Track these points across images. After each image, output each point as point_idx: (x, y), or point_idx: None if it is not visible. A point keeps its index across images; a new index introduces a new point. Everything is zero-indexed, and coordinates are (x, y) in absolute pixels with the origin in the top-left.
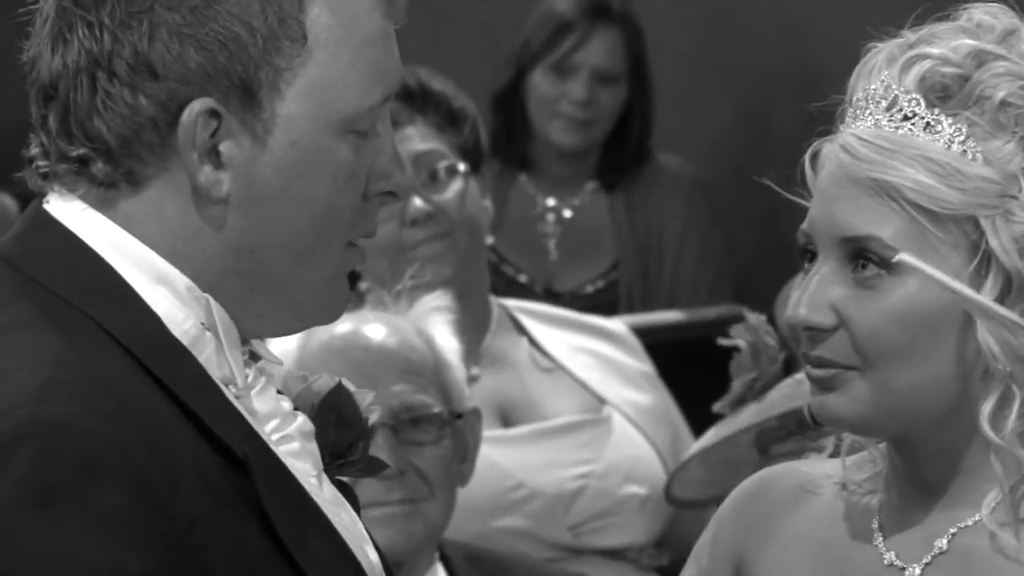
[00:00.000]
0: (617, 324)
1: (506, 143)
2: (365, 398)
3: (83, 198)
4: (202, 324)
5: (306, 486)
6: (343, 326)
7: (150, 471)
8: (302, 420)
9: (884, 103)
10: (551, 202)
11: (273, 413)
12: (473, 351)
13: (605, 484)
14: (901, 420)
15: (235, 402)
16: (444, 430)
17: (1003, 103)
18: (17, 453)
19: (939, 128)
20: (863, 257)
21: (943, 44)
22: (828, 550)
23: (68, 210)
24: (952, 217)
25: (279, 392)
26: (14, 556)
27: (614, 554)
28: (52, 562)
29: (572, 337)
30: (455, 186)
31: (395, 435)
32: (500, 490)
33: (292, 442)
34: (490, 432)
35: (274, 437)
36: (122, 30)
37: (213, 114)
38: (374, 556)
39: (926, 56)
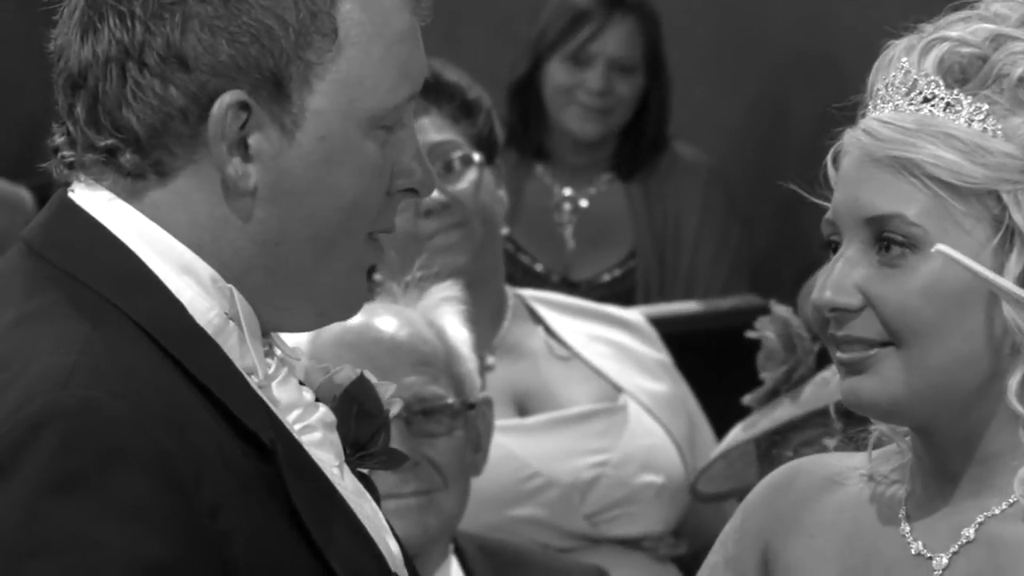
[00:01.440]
0: (633, 313)
1: (523, 133)
2: (387, 390)
3: (110, 188)
4: (226, 314)
5: (329, 476)
6: (354, 319)
7: (174, 457)
8: (324, 411)
9: (904, 88)
10: (568, 192)
11: (295, 403)
12: (489, 341)
13: (621, 473)
14: (932, 401)
15: (259, 391)
16: (457, 420)
17: (1021, 80)
18: (40, 437)
19: (959, 107)
20: (887, 238)
21: (961, 28)
22: (855, 540)
23: (94, 199)
24: (974, 192)
25: (300, 383)
26: (37, 541)
27: (630, 543)
28: (75, 547)
29: (588, 326)
30: (470, 176)
31: (408, 427)
32: (516, 479)
33: (314, 432)
34: (506, 421)
35: (296, 427)
36: (154, 21)
37: (243, 107)
38: (395, 547)
39: (944, 39)
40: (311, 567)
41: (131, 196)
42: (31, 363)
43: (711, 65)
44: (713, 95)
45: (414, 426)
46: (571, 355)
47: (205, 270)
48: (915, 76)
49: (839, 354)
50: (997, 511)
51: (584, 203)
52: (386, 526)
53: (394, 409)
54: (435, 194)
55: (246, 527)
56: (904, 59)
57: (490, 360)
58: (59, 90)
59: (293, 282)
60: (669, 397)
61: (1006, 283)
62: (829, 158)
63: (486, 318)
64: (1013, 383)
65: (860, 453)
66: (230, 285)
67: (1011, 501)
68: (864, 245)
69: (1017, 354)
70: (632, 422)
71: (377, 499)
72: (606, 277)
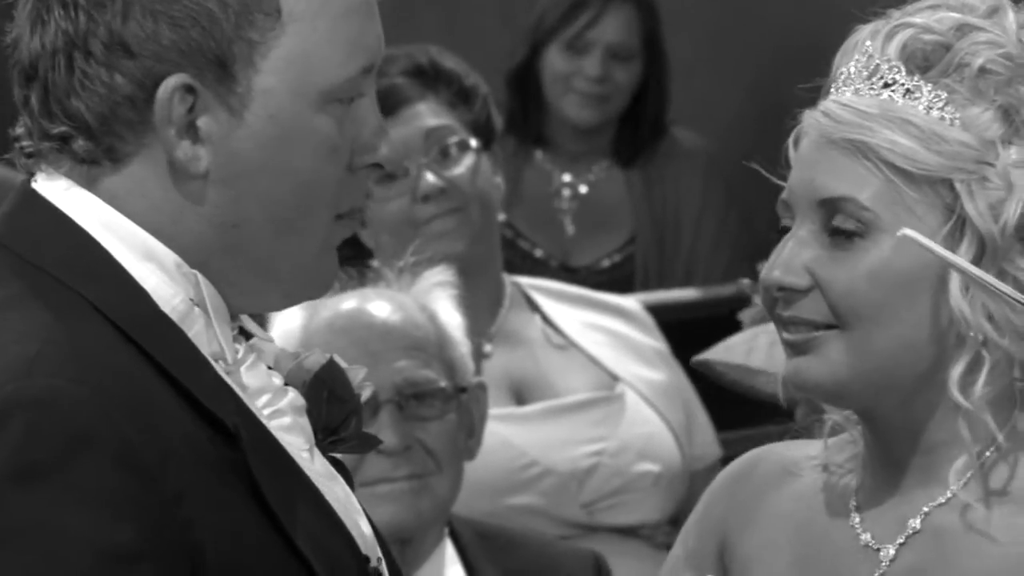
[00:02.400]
0: (630, 301)
1: (522, 120)
2: (357, 375)
3: (68, 176)
4: (191, 300)
5: (297, 459)
6: (346, 304)
7: (138, 444)
8: (293, 395)
9: (865, 73)
10: (567, 178)
11: (264, 388)
12: (486, 328)
13: (618, 462)
14: (875, 385)
15: (225, 377)
16: (449, 404)
17: (982, 70)
18: (4, 427)
19: (918, 94)
20: (836, 224)
21: (928, 15)
22: (807, 530)
23: (54, 188)
24: (927, 179)
25: (270, 368)
26: (3, 529)
27: (628, 532)
28: (41, 535)
29: (585, 314)
30: (467, 161)
31: (400, 411)
32: (513, 468)
33: (283, 417)
34: (503, 410)
35: (265, 412)
36: (96, 10)
37: (189, 90)
38: (367, 529)
39: (909, 25)
40: (280, 551)
41: (88, 183)
42: None
43: (710, 51)
44: (712, 81)
45: (406, 410)
46: (568, 344)
47: (168, 256)
48: (877, 61)
49: (785, 334)
50: (942, 500)
51: (583, 189)
52: (358, 508)
53: (365, 393)
54: (432, 179)
55: (212, 513)
56: (868, 43)
57: (487, 348)
58: (15, 81)
59: (256, 264)
60: (666, 385)
61: (976, 270)
62: (791, 140)
63: (483, 306)
64: (955, 373)
65: (817, 441)
66: (194, 270)
67: (954, 491)
68: (816, 226)
69: (961, 345)
70: (629, 411)
71: (350, 483)
72: (606, 263)
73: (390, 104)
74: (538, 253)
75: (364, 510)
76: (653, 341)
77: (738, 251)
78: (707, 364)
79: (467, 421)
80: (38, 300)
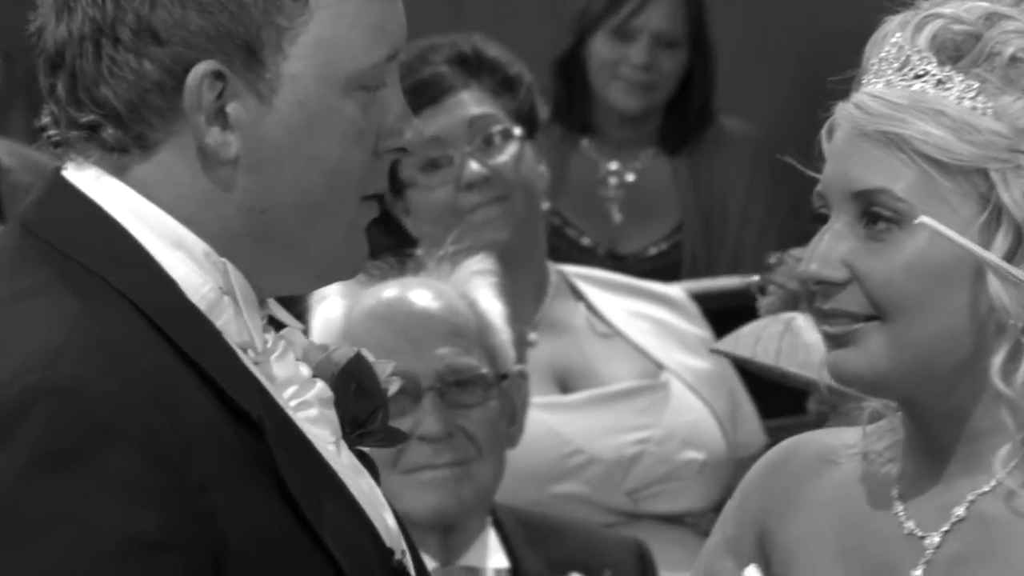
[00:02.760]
0: (675, 289)
1: (568, 108)
2: (385, 369)
3: (98, 164)
4: (220, 288)
5: (323, 452)
6: (387, 292)
7: (162, 433)
8: (321, 387)
9: (896, 64)
10: (613, 166)
11: (292, 379)
12: (531, 317)
13: (663, 450)
14: (916, 376)
15: (252, 367)
16: (490, 391)
17: (1013, 59)
18: (29, 416)
19: (950, 84)
20: (874, 213)
21: (956, 5)
22: (850, 520)
23: (84, 177)
24: (962, 169)
25: (298, 359)
26: (27, 518)
27: (672, 519)
28: (65, 524)
29: (630, 302)
30: (510, 149)
31: (442, 398)
32: (558, 456)
33: (310, 408)
34: (548, 398)
35: (292, 403)
36: None
37: (218, 76)
38: (392, 522)
39: (939, 16)
40: (303, 542)
41: (118, 171)
42: (21, 341)
43: (757, 39)
44: (759, 69)
45: (448, 397)
46: (613, 332)
47: (197, 244)
48: (908, 52)
49: (824, 327)
50: (987, 488)
51: (630, 177)
52: (383, 502)
53: (393, 388)
54: (476, 167)
55: (236, 503)
56: (898, 34)
57: (532, 336)
58: (40, 70)
59: (285, 248)
60: (711, 373)
61: (988, 254)
62: (824, 131)
63: (528, 294)
64: (996, 361)
65: (854, 429)
66: (223, 259)
67: (1000, 478)
68: (851, 219)
69: (1002, 332)
70: (674, 399)
71: (376, 476)
72: (652, 251)
73: (434, 92)
74: (585, 241)
75: (390, 504)
76: (698, 329)
77: (785, 239)
78: (723, 353)
79: (508, 408)
80: (66, 288)
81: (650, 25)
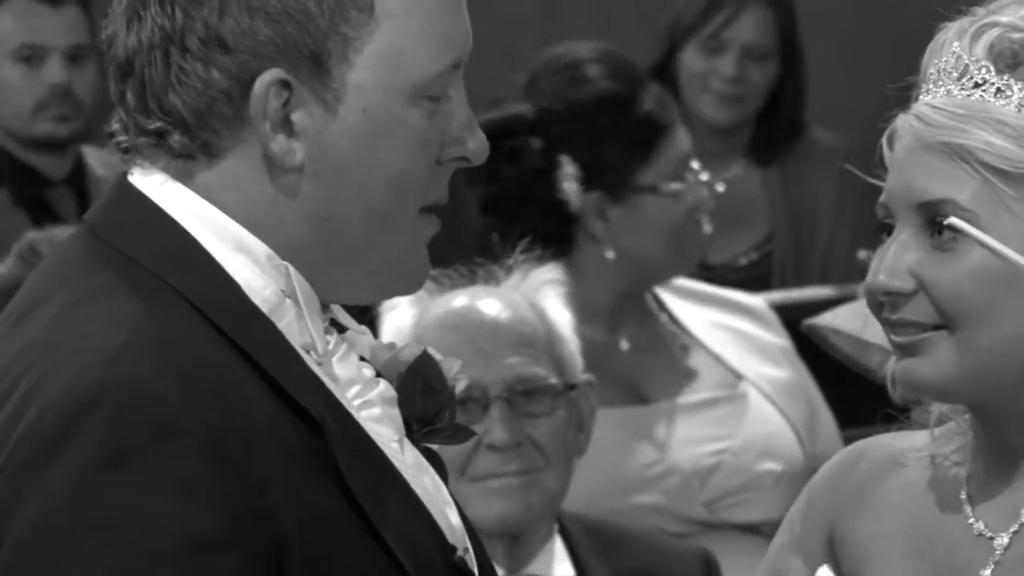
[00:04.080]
0: (755, 299)
1: None
2: (452, 367)
3: (164, 170)
4: (282, 291)
5: (386, 450)
6: (457, 301)
7: (222, 432)
8: (384, 386)
9: (955, 73)
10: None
11: (355, 379)
12: (614, 328)
13: (741, 460)
14: (985, 382)
15: (315, 367)
16: (558, 401)
17: None
18: (91, 415)
19: (1009, 92)
20: (939, 223)
21: (1012, 12)
22: (919, 521)
23: (150, 182)
24: None
25: (363, 359)
26: (88, 516)
27: (750, 529)
28: (126, 522)
29: (710, 313)
30: None
31: (510, 407)
32: (637, 466)
33: (373, 407)
34: (627, 408)
35: (356, 403)
36: (193, 6)
37: (284, 84)
38: (456, 520)
39: (995, 24)
40: (365, 541)
41: (184, 177)
42: (84, 342)
43: (848, 51)
44: (850, 81)
45: (516, 407)
46: (692, 342)
47: (260, 248)
48: (966, 61)
49: (893, 337)
50: None
51: (720, 187)
52: (448, 499)
53: (460, 386)
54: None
55: (297, 502)
56: (956, 43)
57: (624, 345)
58: (111, 77)
59: (349, 256)
60: (789, 384)
61: (1014, 254)
62: (884, 140)
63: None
64: None
65: (922, 432)
66: (285, 262)
67: None
68: (916, 229)
69: None
70: (752, 409)
71: (444, 474)
72: (743, 260)
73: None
74: None
75: (455, 501)
76: (778, 339)
77: (875, 250)
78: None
79: (576, 417)
80: (130, 290)
81: (740, 37)
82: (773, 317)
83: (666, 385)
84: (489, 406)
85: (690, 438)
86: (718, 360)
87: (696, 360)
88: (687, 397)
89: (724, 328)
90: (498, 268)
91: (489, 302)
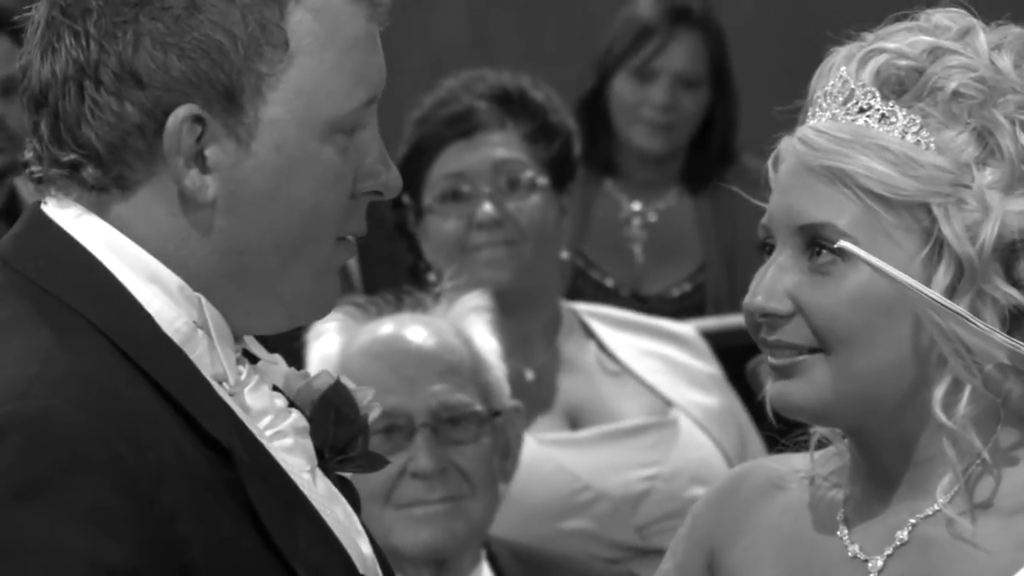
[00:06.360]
0: (685, 327)
1: (591, 148)
2: (365, 396)
3: (77, 201)
4: (194, 322)
5: (297, 480)
6: (383, 329)
7: (132, 463)
8: (296, 416)
9: (841, 98)
10: (636, 206)
11: (267, 409)
12: (540, 356)
13: (672, 486)
14: (860, 406)
15: (226, 398)
16: (483, 428)
17: (955, 94)
18: (1, 447)
19: (893, 119)
20: (818, 245)
21: (900, 39)
22: (795, 543)
23: (64, 212)
24: (905, 204)
25: (274, 389)
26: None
27: None
28: (35, 554)
29: (639, 341)
30: (533, 200)
31: (435, 435)
32: (567, 492)
33: (285, 438)
34: (558, 435)
35: (268, 433)
36: (107, 39)
37: (198, 120)
38: (367, 549)
39: (882, 51)
40: (275, 572)
41: (97, 209)
42: None
43: (782, 79)
44: (782, 106)
45: (441, 434)
46: (622, 370)
47: (172, 279)
48: (853, 86)
49: (770, 359)
50: (929, 512)
51: (653, 217)
52: (360, 529)
53: (373, 414)
54: (489, 209)
55: (206, 533)
56: (843, 68)
57: (529, 375)
58: (24, 107)
59: (261, 288)
60: (719, 411)
61: (907, 278)
62: (769, 163)
63: (539, 333)
64: (938, 393)
65: (802, 455)
66: (198, 294)
67: (940, 505)
68: (796, 251)
69: (943, 364)
70: (683, 435)
71: (356, 503)
72: (676, 292)
73: (466, 127)
74: (608, 282)
75: (367, 531)
76: (707, 367)
77: None
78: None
79: (502, 443)
80: (41, 321)
81: (671, 65)
82: (703, 345)
83: (597, 412)
84: (414, 433)
85: (621, 464)
86: (648, 387)
87: (626, 387)
88: (617, 424)
89: (654, 356)
90: (426, 295)
91: (415, 329)
